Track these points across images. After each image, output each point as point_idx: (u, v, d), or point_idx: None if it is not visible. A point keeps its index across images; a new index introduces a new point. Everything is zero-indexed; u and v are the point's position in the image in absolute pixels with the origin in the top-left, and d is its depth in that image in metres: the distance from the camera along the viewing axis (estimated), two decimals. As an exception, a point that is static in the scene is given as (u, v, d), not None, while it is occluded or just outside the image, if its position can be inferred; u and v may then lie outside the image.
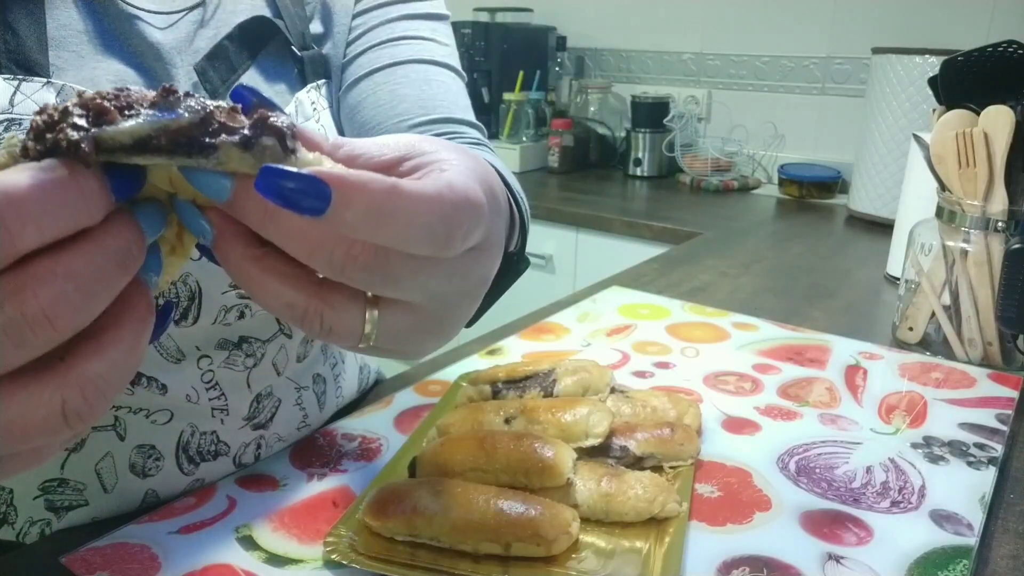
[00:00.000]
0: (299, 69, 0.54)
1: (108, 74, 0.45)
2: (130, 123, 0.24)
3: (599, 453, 0.53)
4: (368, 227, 0.25)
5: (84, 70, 0.44)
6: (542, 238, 1.68)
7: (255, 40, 0.51)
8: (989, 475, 0.55)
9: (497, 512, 0.44)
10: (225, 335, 0.51)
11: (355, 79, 0.57)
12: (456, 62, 0.61)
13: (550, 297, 0.97)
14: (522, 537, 0.43)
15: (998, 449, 0.59)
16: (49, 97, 0.42)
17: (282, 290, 0.28)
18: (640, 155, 1.97)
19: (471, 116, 0.59)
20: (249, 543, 0.47)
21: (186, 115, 0.25)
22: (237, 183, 0.26)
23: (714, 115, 2.01)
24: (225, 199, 0.26)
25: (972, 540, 0.48)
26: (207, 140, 0.25)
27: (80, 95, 0.25)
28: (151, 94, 0.26)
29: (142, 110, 0.25)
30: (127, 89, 0.26)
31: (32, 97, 0.42)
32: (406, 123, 0.55)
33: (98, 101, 0.24)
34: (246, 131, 0.26)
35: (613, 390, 0.60)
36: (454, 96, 0.58)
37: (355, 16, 0.57)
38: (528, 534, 0.43)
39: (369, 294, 0.29)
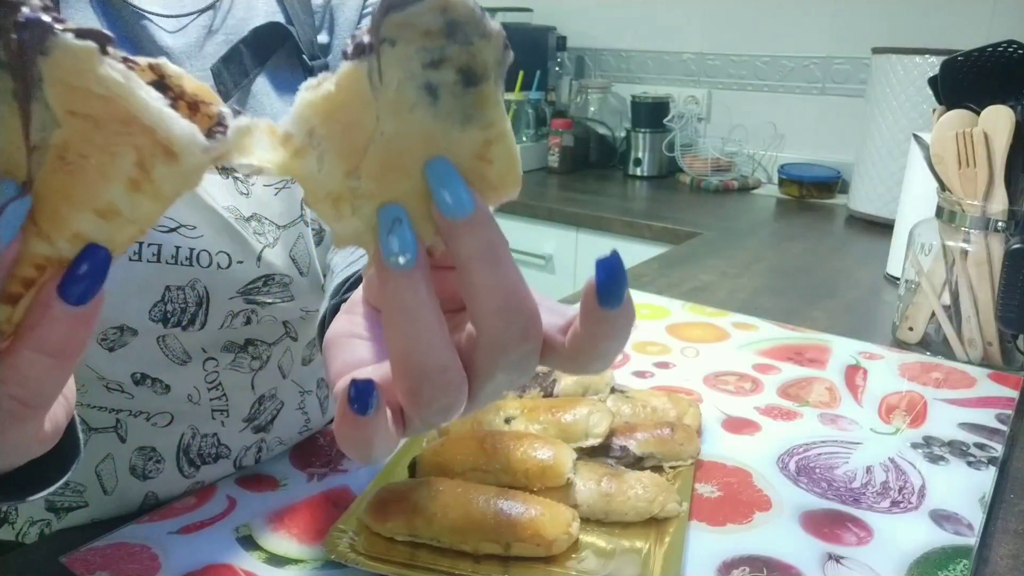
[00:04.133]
0: (306, 79, 0.55)
1: None
2: None
3: (599, 453, 0.53)
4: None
5: None
6: (542, 238, 1.68)
7: (268, 46, 0.51)
8: (989, 475, 0.55)
9: (497, 512, 0.44)
10: (231, 338, 0.51)
11: None
12: None
13: (550, 297, 0.97)
14: (522, 537, 0.43)
15: (998, 449, 0.59)
16: None
17: (445, 349, 0.26)
18: (640, 155, 1.97)
19: None
20: (249, 543, 0.47)
21: None
22: (479, 200, 0.25)
23: (714, 115, 2.01)
24: (469, 214, 0.25)
25: (972, 540, 0.48)
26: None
27: None
28: None
29: None
30: None
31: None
32: None
33: None
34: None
35: (613, 390, 0.60)
36: None
37: None
38: (528, 534, 0.43)
39: None
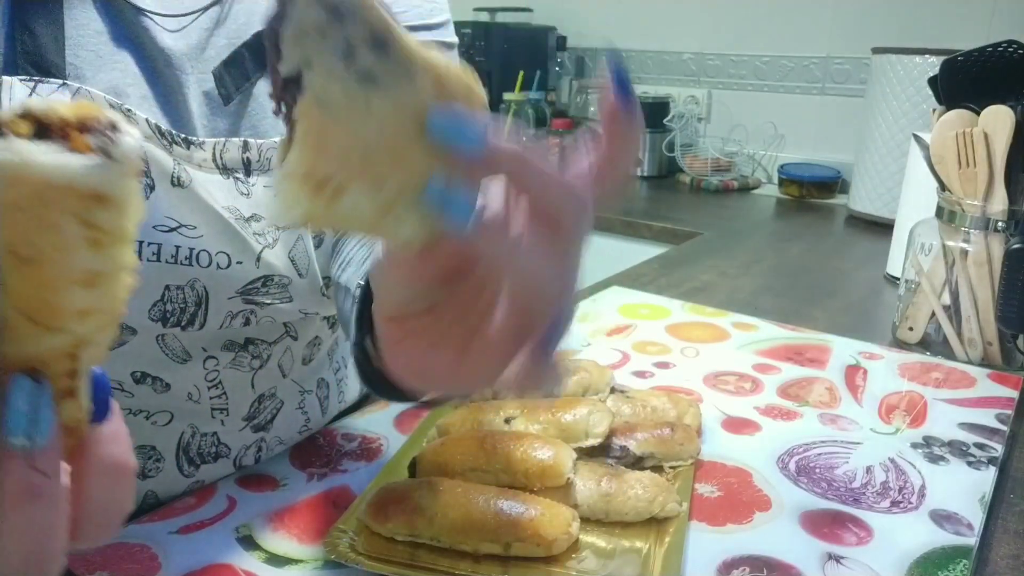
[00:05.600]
0: None
1: (126, 76, 0.45)
2: None
3: (599, 453, 0.53)
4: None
5: (103, 71, 0.44)
6: (542, 238, 1.68)
7: None
8: (989, 475, 0.55)
9: (497, 512, 0.44)
10: (231, 337, 0.51)
11: None
12: None
13: (550, 297, 0.97)
14: (522, 537, 0.43)
15: (998, 449, 0.59)
16: (65, 99, 0.42)
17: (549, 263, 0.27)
18: (640, 155, 1.97)
19: None
20: (249, 543, 0.47)
21: None
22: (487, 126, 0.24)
23: (714, 115, 2.01)
24: (482, 147, 0.24)
25: (972, 540, 0.48)
26: None
27: None
28: None
29: None
30: None
31: (48, 99, 0.42)
32: None
33: None
34: None
35: (613, 390, 0.60)
36: None
37: None
38: (528, 534, 0.43)
39: None
